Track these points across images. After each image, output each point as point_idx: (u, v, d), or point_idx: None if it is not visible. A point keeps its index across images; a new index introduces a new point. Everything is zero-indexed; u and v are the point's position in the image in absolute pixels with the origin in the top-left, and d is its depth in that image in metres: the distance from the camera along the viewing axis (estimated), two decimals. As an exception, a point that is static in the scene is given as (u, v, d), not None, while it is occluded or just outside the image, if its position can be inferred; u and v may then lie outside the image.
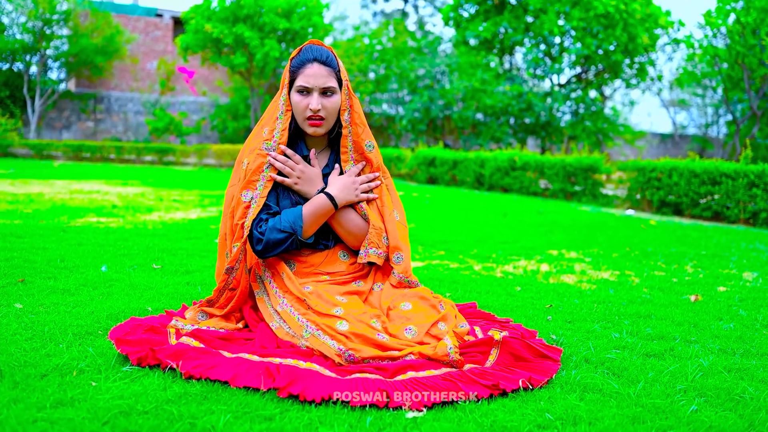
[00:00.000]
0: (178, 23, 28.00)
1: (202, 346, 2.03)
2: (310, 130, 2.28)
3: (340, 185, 2.30)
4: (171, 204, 7.23)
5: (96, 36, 23.95)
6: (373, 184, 2.36)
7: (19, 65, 24.03)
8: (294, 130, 2.36)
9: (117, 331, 2.13)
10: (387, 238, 2.33)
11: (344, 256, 2.39)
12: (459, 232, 5.68)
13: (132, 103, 26.16)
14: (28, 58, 23.65)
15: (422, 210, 7.75)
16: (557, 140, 20.62)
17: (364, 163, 2.37)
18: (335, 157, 2.41)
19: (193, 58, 25.42)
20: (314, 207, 2.26)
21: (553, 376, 1.96)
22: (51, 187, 8.80)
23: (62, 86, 25.13)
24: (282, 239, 2.21)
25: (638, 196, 9.39)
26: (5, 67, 24.05)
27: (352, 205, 2.33)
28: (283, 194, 2.33)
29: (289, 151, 2.31)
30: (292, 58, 2.29)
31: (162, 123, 23.70)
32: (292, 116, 2.31)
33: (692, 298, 3.21)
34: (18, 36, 23.41)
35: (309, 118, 2.26)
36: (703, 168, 8.40)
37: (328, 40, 27.12)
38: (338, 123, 2.35)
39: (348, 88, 2.30)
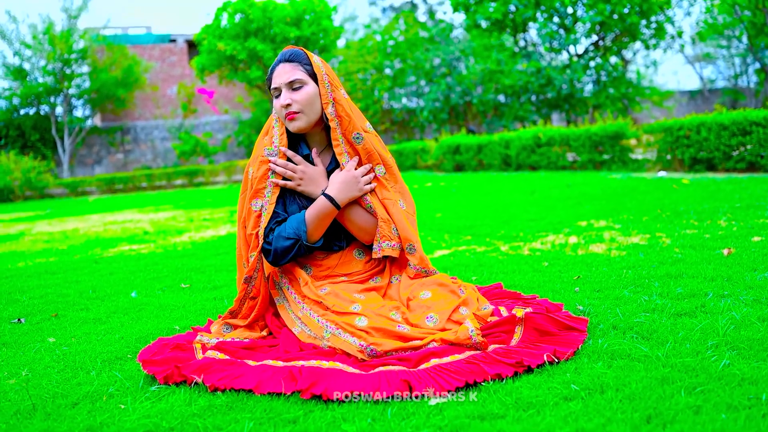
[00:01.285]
0: (192, 46, 28.34)
1: (227, 357, 2.04)
2: (291, 126, 2.28)
3: (340, 183, 2.28)
4: (201, 224, 7.32)
5: (114, 69, 24.36)
6: (371, 176, 2.35)
7: (45, 108, 24.57)
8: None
9: (145, 353, 2.16)
10: (396, 229, 2.32)
11: (360, 254, 2.38)
12: (485, 215, 5.64)
13: (157, 130, 26.55)
14: (52, 99, 24.18)
15: (448, 198, 7.71)
16: (581, 111, 20.32)
17: (358, 156, 2.36)
18: None
19: (211, 78, 25.69)
20: (316, 210, 2.25)
21: (579, 347, 1.92)
22: (86, 222, 8.98)
23: (89, 122, 25.63)
24: (289, 246, 2.22)
25: (669, 157, 9.20)
26: (32, 111, 24.62)
27: (357, 200, 2.32)
28: (291, 199, 2.33)
29: (290, 153, 2.31)
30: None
31: (188, 146, 24.01)
32: None
33: (725, 251, 3.13)
34: (40, 79, 23.95)
35: (286, 115, 2.27)
36: (732, 119, 8.19)
37: (340, 42, 27.16)
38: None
39: (329, 81, 2.28)
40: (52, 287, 3.78)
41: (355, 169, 2.32)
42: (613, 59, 21.85)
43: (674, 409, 1.47)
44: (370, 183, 2.33)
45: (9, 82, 24.23)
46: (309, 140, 2.39)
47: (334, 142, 2.31)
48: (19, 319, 2.99)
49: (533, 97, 20.55)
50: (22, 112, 24.54)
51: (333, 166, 2.37)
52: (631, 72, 23.39)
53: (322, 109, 2.29)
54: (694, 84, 46.67)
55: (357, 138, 2.32)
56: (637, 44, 22.57)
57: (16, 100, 24.19)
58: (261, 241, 2.23)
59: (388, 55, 22.65)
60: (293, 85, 2.25)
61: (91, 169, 25.50)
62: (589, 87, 20.62)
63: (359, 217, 2.31)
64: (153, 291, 3.45)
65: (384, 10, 37.93)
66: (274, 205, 2.26)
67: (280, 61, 2.28)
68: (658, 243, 3.58)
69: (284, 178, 2.29)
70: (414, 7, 37.25)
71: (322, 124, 2.34)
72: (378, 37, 23.55)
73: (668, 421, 1.42)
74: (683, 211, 4.68)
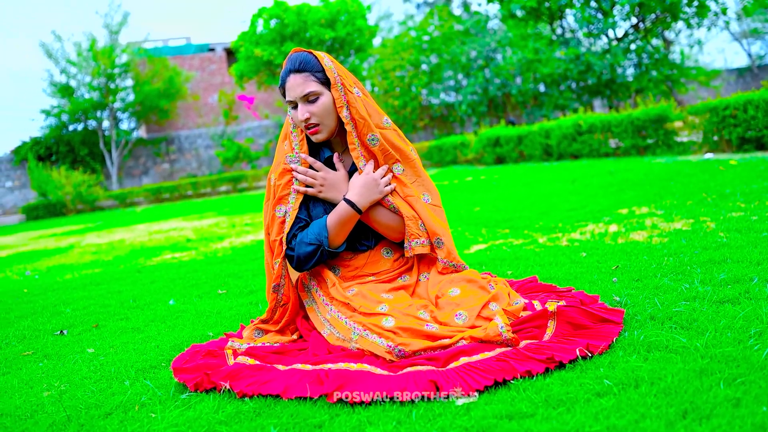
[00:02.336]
0: (230, 53, 28.72)
1: (256, 363, 2.04)
2: (314, 138, 2.26)
3: (360, 188, 2.24)
4: (242, 229, 7.39)
5: (156, 81, 24.87)
6: (389, 176, 2.31)
7: (92, 122, 25.22)
8: None
9: (178, 360, 2.17)
10: (423, 224, 2.28)
11: (387, 253, 2.35)
12: (524, 207, 5.55)
13: (201, 139, 26.97)
14: (99, 114, 24.83)
15: (488, 192, 7.62)
16: (624, 96, 19.89)
17: (374, 159, 2.31)
18: None
19: (250, 84, 25.99)
20: (337, 215, 2.22)
21: (614, 340, 1.86)
22: (132, 233, 9.16)
23: (134, 135, 26.21)
24: (311, 252, 2.20)
25: (715, 138, 8.91)
26: (80, 126, 25.30)
27: (380, 201, 2.29)
28: (314, 204, 2.31)
29: (310, 159, 2.28)
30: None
31: (231, 152, 24.34)
32: None
33: (772, 233, 3.00)
34: (86, 95, 24.60)
35: (306, 128, 2.24)
36: (780, 95, 7.89)
37: (375, 41, 27.17)
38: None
39: (342, 83, 2.24)
40: (96, 298, 3.85)
41: (374, 171, 2.28)
42: (655, 41, 21.33)
43: (712, 402, 1.40)
44: (389, 184, 2.29)
45: (57, 99, 24.96)
46: (331, 142, 2.37)
47: (350, 146, 2.27)
48: (61, 331, 3.05)
49: (573, 85, 20.20)
50: (70, 128, 25.27)
51: (352, 168, 2.34)
52: (675, 53, 22.79)
53: (337, 113, 2.26)
54: (742, 61, 45.30)
55: (372, 140, 2.27)
56: (680, 24, 21.98)
57: (64, 117, 24.92)
58: (284, 247, 2.22)
59: (423, 50, 22.55)
60: (308, 98, 2.21)
61: (139, 180, 26.06)
62: (630, 71, 20.17)
63: (384, 216, 2.28)
64: (191, 298, 3.49)
65: (418, 5, 37.79)
66: (297, 210, 2.25)
67: (290, 71, 2.22)
68: (702, 228, 3.46)
69: (306, 185, 2.27)
70: (448, 1, 37.04)
71: (338, 127, 2.31)
72: (413, 33, 23.47)
73: (705, 415, 1.35)
74: (729, 194, 4.52)
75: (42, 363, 2.54)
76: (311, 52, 2.25)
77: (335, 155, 2.32)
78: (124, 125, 26.02)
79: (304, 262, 2.21)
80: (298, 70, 2.21)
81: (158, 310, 3.28)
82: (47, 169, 21.92)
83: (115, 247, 7.12)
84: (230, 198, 17.00)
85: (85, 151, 24.68)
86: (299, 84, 2.20)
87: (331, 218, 2.22)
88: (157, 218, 12.10)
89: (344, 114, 2.23)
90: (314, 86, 2.21)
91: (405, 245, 2.28)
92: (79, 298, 3.91)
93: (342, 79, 2.24)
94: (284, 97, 2.27)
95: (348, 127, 2.24)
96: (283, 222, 2.25)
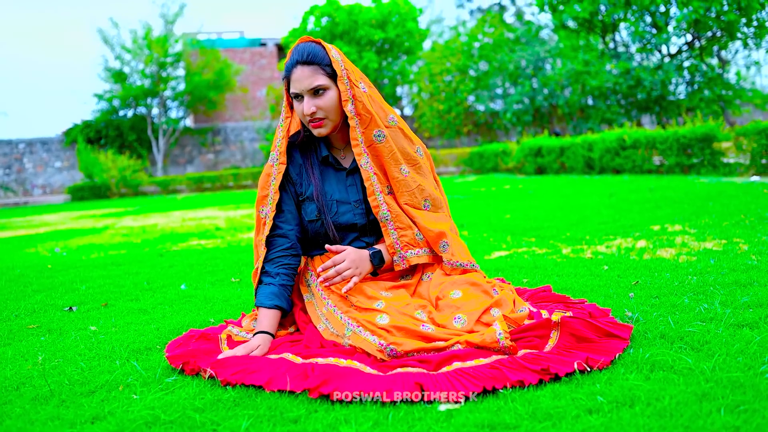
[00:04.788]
0: (281, 49, 28.97)
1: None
2: (316, 133, 2.18)
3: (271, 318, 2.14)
4: (272, 221, 7.39)
5: (207, 72, 25.22)
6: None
7: (141, 109, 25.70)
8: (311, 132, 2.28)
9: (172, 344, 2.15)
10: (419, 233, 2.20)
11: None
12: (555, 217, 5.41)
13: (247, 132, 27.25)
14: (149, 101, 25.28)
15: (523, 200, 7.48)
16: (673, 114, 19.41)
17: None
18: None
19: (298, 81, 26.11)
20: (263, 317, 2.13)
21: (617, 356, 1.76)
22: (167, 218, 9.26)
23: (182, 123, 26.62)
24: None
25: (763, 161, 8.61)
26: (130, 112, 25.80)
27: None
28: (308, 202, 2.24)
29: (332, 248, 2.16)
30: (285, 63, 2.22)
31: (275, 146, 24.48)
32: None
33: (807, 259, 2.84)
34: (138, 82, 25.08)
35: (309, 122, 2.17)
36: (835, 121, 7.57)
37: (426, 45, 27.09)
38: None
39: (348, 77, 2.15)
40: (112, 278, 3.86)
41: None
42: (711, 60, 20.78)
43: (708, 429, 1.30)
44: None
45: (110, 84, 25.50)
46: (330, 138, 2.30)
47: (353, 142, 2.18)
48: (70, 308, 3.06)
49: (622, 100, 19.82)
50: (121, 113, 25.79)
51: (354, 165, 2.27)
52: (730, 73, 22.17)
53: (342, 107, 2.17)
54: (802, 86, 43.85)
55: (378, 136, 2.19)
56: (737, 43, 21.39)
57: (116, 102, 25.45)
58: (264, 249, 2.20)
59: (472, 57, 22.39)
60: (317, 91, 2.13)
61: (183, 169, 26.45)
62: (682, 88, 19.69)
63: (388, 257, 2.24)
64: (203, 284, 3.47)
65: (471, 11, 37.59)
66: (274, 211, 2.21)
67: (298, 62, 2.14)
68: (733, 249, 3.31)
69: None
70: (502, 8, 36.75)
71: (342, 122, 2.23)
72: (464, 39, 23.33)
73: (698, 442, 1.25)
74: (769, 217, 4.33)
75: (44, 337, 2.53)
76: (320, 43, 2.18)
77: (332, 249, 2.19)
78: (173, 114, 26.45)
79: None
80: (306, 62, 2.13)
81: (169, 293, 3.27)
82: (95, 152, 22.39)
83: (146, 231, 7.19)
84: (269, 191, 17.10)
85: (133, 137, 25.13)
86: (307, 77, 2.12)
87: (262, 315, 2.13)
88: (194, 206, 12.23)
89: (349, 108, 2.15)
90: (322, 80, 2.13)
91: (395, 259, 2.18)
92: (97, 277, 3.93)
93: (348, 72, 2.16)
94: (287, 88, 2.19)
95: (352, 122, 2.16)
96: (264, 223, 2.21)
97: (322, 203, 2.22)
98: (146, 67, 24.82)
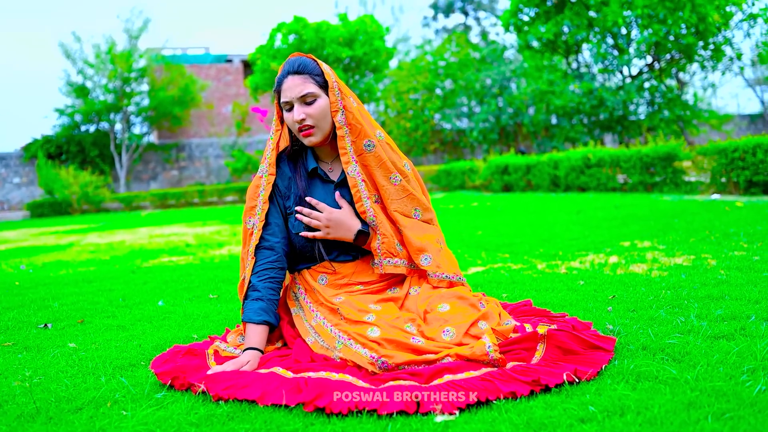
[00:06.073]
0: (247, 66, 28.90)
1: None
2: (305, 141, 2.22)
3: (260, 335, 2.12)
4: (243, 238, 7.35)
5: (172, 88, 25.00)
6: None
7: (104, 124, 25.34)
8: (300, 144, 2.31)
9: (157, 360, 2.13)
10: (399, 244, 2.23)
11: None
12: (526, 234, 5.50)
13: (212, 148, 27.04)
14: (112, 116, 24.94)
15: (492, 217, 7.57)
16: (635, 134, 19.85)
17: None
18: None
19: (264, 97, 26.12)
20: (250, 333, 2.12)
21: (603, 367, 1.80)
22: (134, 235, 9.14)
23: (146, 139, 26.31)
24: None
25: (723, 180, 8.86)
26: (92, 128, 25.41)
27: (359, 216, 2.25)
28: (292, 210, 2.27)
29: (314, 201, 2.23)
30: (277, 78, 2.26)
31: (240, 163, 24.36)
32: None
33: (774, 274, 2.94)
34: (101, 97, 24.74)
35: (299, 130, 2.21)
36: (791, 141, 7.84)
37: (393, 63, 27.30)
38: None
39: (339, 89, 2.21)
40: (85, 295, 3.81)
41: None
42: (669, 81, 21.33)
43: (698, 436, 1.35)
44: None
45: (72, 99, 25.11)
46: (317, 151, 2.33)
47: (341, 151, 2.22)
48: (45, 324, 3.01)
49: (585, 119, 20.21)
50: (82, 128, 25.37)
51: (342, 177, 2.30)
52: (688, 94, 22.80)
53: (332, 117, 2.22)
54: (755, 108, 45.31)
55: (368, 145, 2.23)
56: (695, 66, 22.01)
57: (77, 117, 25.03)
58: (251, 260, 2.20)
59: (439, 75, 22.64)
60: (306, 99, 2.17)
61: (147, 185, 26.11)
62: (642, 108, 20.16)
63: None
64: (181, 300, 3.44)
65: (437, 31, 38.04)
66: (263, 221, 2.22)
67: (288, 72, 2.20)
68: (702, 264, 3.40)
69: (310, 228, 2.23)
70: (467, 28, 37.26)
71: (332, 134, 2.27)
72: (430, 58, 23.58)
73: (690, 448, 1.30)
74: (733, 233, 4.47)
75: (21, 354, 2.49)
76: (310, 57, 2.24)
77: (337, 194, 2.26)
78: (137, 129, 26.13)
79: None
80: (297, 72, 2.19)
81: (146, 310, 3.24)
82: (56, 168, 21.98)
83: (114, 248, 7.09)
84: (236, 207, 16.99)
85: (96, 153, 24.75)
86: (297, 84, 2.17)
87: (250, 331, 2.12)
88: (160, 223, 12.09)
89: (338, 118, 2.20)
90: (312, 88, 2.18)
91: (375, 261, 2.23)
92: (69, 294, 3.87)
93: (339, 85, 2.22)
94: (278, 100, 2.23)
95: (341, 132, 2.20)
96: (252, 234, 2.22)
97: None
98: (109, 82, 24.51)
